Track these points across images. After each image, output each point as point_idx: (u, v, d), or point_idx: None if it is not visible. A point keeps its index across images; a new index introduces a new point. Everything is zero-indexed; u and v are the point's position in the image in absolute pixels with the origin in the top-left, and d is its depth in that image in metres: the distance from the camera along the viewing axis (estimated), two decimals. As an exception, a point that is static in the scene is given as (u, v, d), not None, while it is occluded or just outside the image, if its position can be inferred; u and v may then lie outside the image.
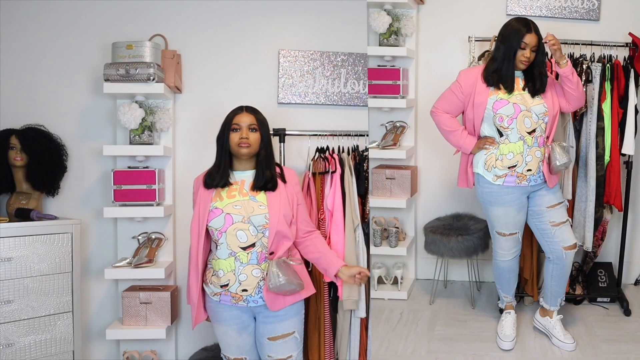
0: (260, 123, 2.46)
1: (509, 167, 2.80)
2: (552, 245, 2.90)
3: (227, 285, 2.38)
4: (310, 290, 2.53)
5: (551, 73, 2.93)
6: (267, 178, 2.43)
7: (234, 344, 2.45)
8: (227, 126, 2.45)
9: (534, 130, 2.77)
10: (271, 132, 2.55)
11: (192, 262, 2.46)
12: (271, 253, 2.38)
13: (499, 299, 3.21)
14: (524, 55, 2.72)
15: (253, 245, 2.37)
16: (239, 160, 2.47)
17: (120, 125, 3.03)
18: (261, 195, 2.41)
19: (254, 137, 2.43)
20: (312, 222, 2.67)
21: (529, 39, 2.70)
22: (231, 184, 2.44)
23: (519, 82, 2.80)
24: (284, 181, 2.48)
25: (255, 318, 2.46)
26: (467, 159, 2.95)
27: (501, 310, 3.19)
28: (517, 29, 2.73)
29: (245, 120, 2.43)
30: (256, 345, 2.48)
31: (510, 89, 2.76)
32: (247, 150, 2.41)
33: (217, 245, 2.40)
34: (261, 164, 2.45)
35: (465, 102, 2.85)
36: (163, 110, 3.09)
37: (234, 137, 2.42)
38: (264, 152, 2.46)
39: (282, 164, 2.94)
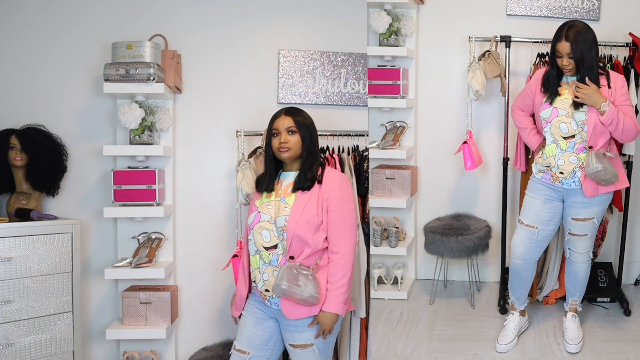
0: (299, 124, 2.42)
1: (546, 166, 2.86)
2: (565, 244, 3.02)
3: (255, 281, 2.42)
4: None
5: (609, 87, 2.78)
6: (308, 179, 2.40)
7: (246, 334, 2.44)
8: (269, 131, 2.46)
9: (572, 136, 2.77)
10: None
11: (242, 255, 2.58)
12: (291, 257, 2.34)
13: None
14: (561, 63, 2.74)
15: (275, 246, 2.36)
16: (285, 162, 2.48)
17: (120, 125, 3.03)
18: (290, 197, 2.39)
19: (294, 140, 2.41)
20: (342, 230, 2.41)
21: (560, 47, 2.71)
22: (274, 187, 2.46)
23: (568, 86, 2.80)
24: (319, 182, 2.42)
25: (277, 321, 2.45)
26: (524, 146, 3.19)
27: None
28: (554, 35, 2.75)
29: (284, 123, 2.42)
30: (269, 345, 2.45)
31: (553, 95, 2.80)
32: (287, 155, 2.41)
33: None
34: (304, 166, 2.43)
35: (533, 101, 2.92)
36: (163, 110, 3.09)
37: (275, 143, 2.43)
38: (305, 154, 2.43)
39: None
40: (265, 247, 2.37)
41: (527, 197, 2.97)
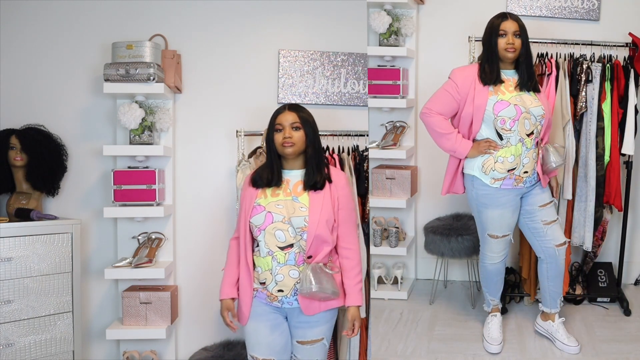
0: (304, 120, 2.41)
1: (508, 170, 2.75)
2: (544, 243, 2.89)
3: (264, 283, 2.37)
4: (342, 300, 2.42)
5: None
6: (318, 179, 2.39)
7: (264, 343, 2.38)
8: (272, 126, 2.42)
9: (532, 133, 2.74)
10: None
11: (230, 256, 2.48)
12: (309, 257, 2.34)
13: (484, 302, 3.17)
14: (507, 42, 2.70)
15: (291, 246, 2.34)
16: (286, 159, 2.44)
17: (120, 125, 3.04)
18: (304, 197, 2.37)
19: (298, 136, 2.38)
20: (351, 229, 2.47)
21: (506, 25, 2.71)
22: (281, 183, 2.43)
23: (510, 82, 2.75)
24: (330, 181, 2.42)
25: (287, 319, 2.43)
26: (458, 164, 2.84)
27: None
28: (492, 21, 2.76)
29: (287, 119, 2.40)
30: (288, 348, 2.43)
31: (496, 81, 2.72)
32: (291, 150, 2.38)
33: (257, 243, 2.39)
34: (310, 163, 2.41)
35: (461, 103, 2.75)
36: (163, 110, 3.09)
37: (278, 138, 2.39)
38: (311, 150, 2.41)
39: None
40: (280, 248, 2.34)
41: (493, 212, 2.81)
